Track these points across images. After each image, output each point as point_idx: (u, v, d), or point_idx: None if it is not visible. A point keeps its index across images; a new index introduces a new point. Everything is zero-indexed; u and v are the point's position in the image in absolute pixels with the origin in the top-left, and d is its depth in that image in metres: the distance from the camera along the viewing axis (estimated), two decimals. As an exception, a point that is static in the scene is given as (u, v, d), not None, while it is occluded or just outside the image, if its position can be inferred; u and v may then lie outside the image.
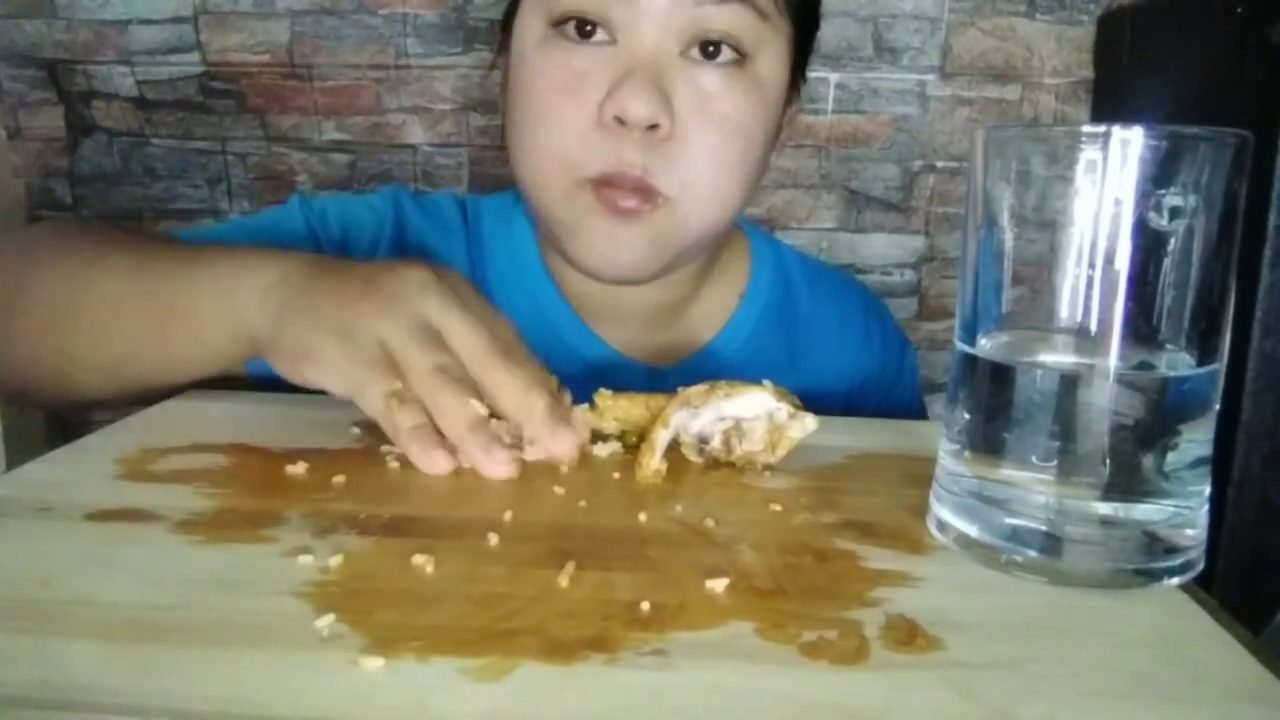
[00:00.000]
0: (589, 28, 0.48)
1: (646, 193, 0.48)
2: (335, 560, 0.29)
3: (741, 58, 0.49)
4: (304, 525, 0.32)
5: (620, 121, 0.47)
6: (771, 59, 0.50)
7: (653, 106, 0.46)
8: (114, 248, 0.47)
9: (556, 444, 0.38)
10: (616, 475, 0.38)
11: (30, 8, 1.51)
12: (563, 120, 0.48)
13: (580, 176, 0.49)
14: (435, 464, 0.36)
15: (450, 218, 0.61)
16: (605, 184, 0.48)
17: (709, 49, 0.48)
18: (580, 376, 0.56)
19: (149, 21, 1.52)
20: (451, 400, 0.37)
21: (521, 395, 0.38)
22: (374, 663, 0.23)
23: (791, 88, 0.54)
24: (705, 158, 0.49)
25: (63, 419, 1.54)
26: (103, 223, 0.59)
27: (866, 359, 0.66)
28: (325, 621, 0.25)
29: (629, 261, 0.50)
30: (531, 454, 0.38)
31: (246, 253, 0.45)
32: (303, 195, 0.60)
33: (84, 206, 1.59)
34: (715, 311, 0.61)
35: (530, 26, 0.50)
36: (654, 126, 0.47)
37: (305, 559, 0.29)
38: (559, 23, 0.48)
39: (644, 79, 0.46)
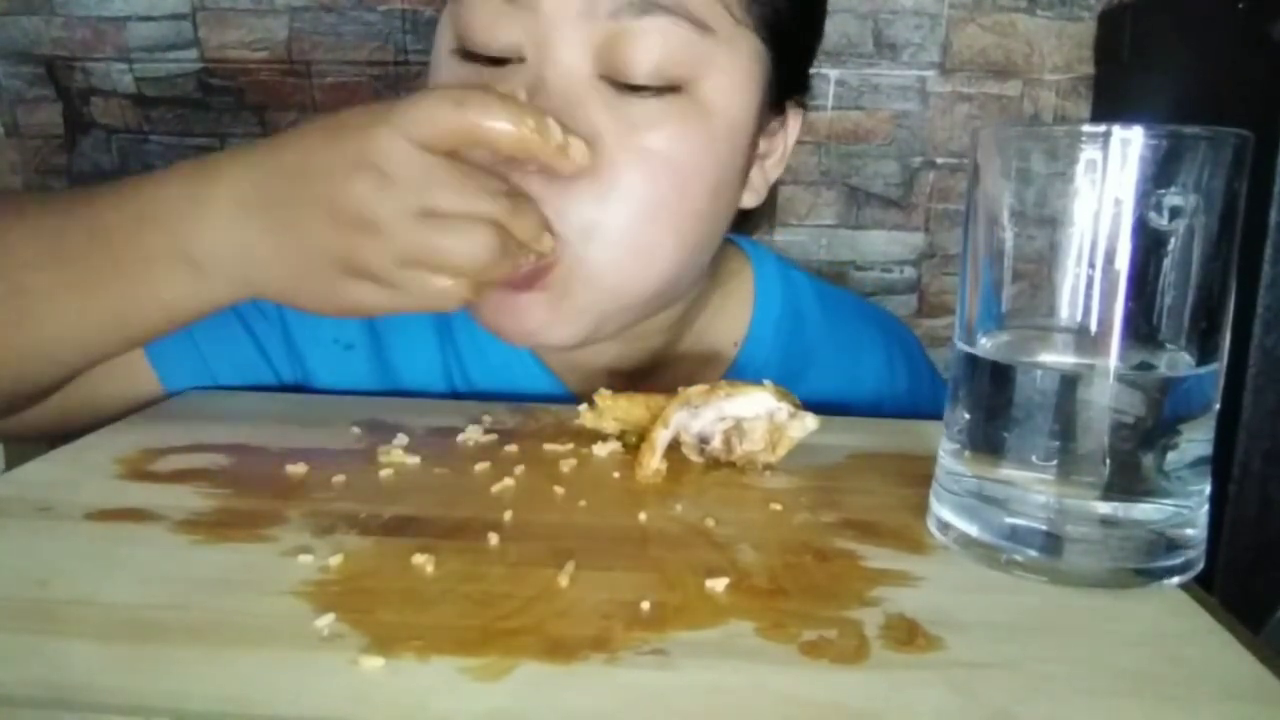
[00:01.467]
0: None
1: (505, 262, 0.37)
2: (335, 560, 0.29)
3: (674, 85, 0.40)
4: (304, 525, 0.32)
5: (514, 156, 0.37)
6: (723, 80, 0.41)
7: None
8: (30, 203, 0.40)
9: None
10: (616, 475, 0.38)
11: (28, 4, 1.51)
12: None
13: None
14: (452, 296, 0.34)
15: None
16: None
17: (631, 74, 0.39)
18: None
19: (147, 18, 1.51)
20: (504, 262, 0.34)
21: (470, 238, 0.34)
22: (374, 663, 0.23)
23: (775, 112, 0.46)
24: (621, 200, 0.39)
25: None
26: (15, 191, 0.50)
27: (890, 392, 0.57)
28: (325, 621, 0.25)
29: (533, 329, 0.42)
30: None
31: (184, 170, 0.37)
32: None
33: (83, 204, 1.58)
34: (708, 363, 0.53)
35: (442, 43, 0.43)
36: None
37: (305, 559, 0.29)
38: (466, 52, 0.41)
39: (548, 101, 0.38)
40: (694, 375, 0.51)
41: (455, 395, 0.52)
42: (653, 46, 0.39)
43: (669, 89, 0.40)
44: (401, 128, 0.33)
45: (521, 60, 0.40)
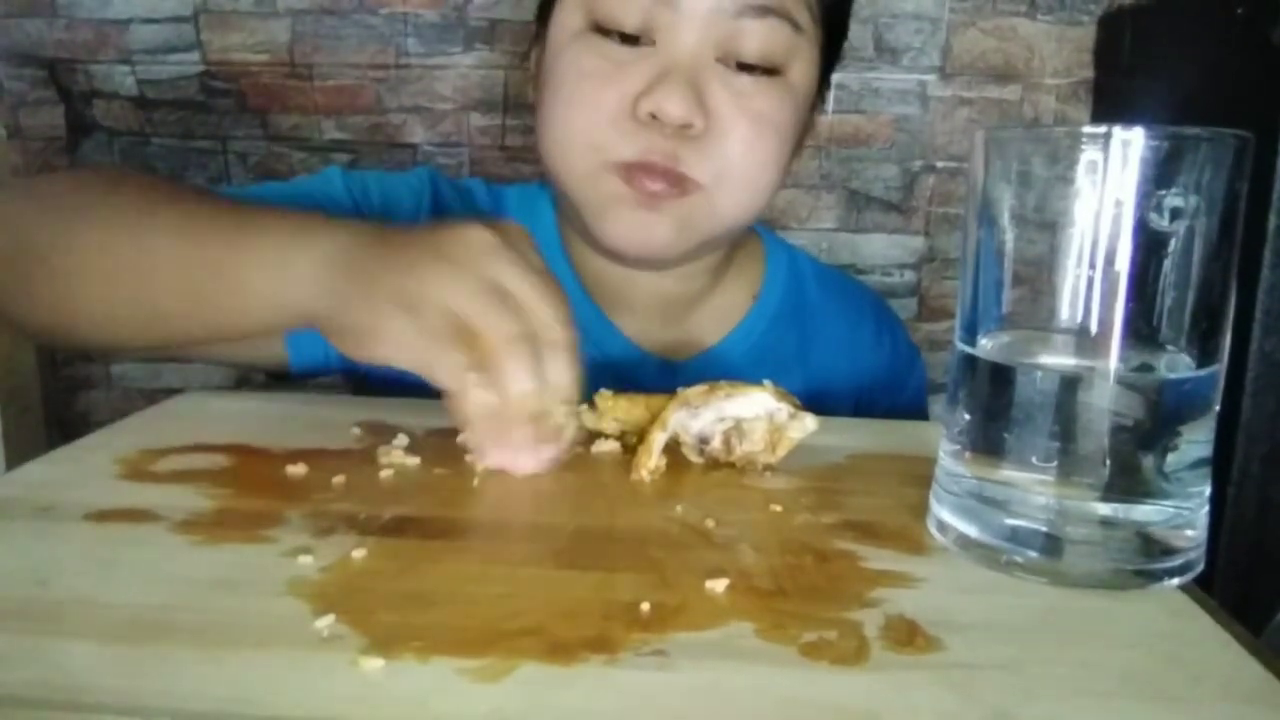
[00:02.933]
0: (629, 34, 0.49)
1: (677, 180, 0.49)
2: (335, 560, 0.29)
3: (775, 69, 0.50)
4: (304, 525, 0.32)
5: (654, 118, 0.48)
6: (803, 67, 0.52)
7: (688, 106, 0.47)
8: (161, 200, 0.45)
9: (517, 461, 0.37)
10: (616, 475, 0.38)
11: (31, 6, 1.51)
12: (596, 105, 0.49)
13: (608, 159, 0.49)
14: (503, 462, 0.37)
15: (481, 201, 0.62)
16: (635, 169, 0.49)
17: (745, 59, 0.49)
18: (594, 365, 0.55)
19: (149, 20, 1.52)
20: (526, 377, 0.35)
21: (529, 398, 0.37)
22: (374, 663, 0.23)
23: (817, 93, 0.55)
24: (739, 149, 0.50)
25: (61, 418, 1.54)
26: (144, 174, 0.55)
27: (876, 364, 0.66)
28: (325, 621, 0.25)
29: (657, 244, 0.51)
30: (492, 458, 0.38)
31: (297, 220, 0.42)
32: (340, 168, 0.59)
33: (84, 206, 1.58)
34: (729, 310, 0.61)
35: (569, 22, 0.50)
36: (687, 126, 0.48)
37: (305, 559, 0.29)
38: (600, 30, 0.49)
39: (680, 79, 0.47)
40: (722, 317, 0.61)
41: None
42: (763, 42, 0.49)
43: (771, 71, 0.50)
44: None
45: (652, 43, 0.49)
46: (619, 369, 0.53)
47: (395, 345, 0.37)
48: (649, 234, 0.50)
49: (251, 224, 0.42)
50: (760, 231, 0.66)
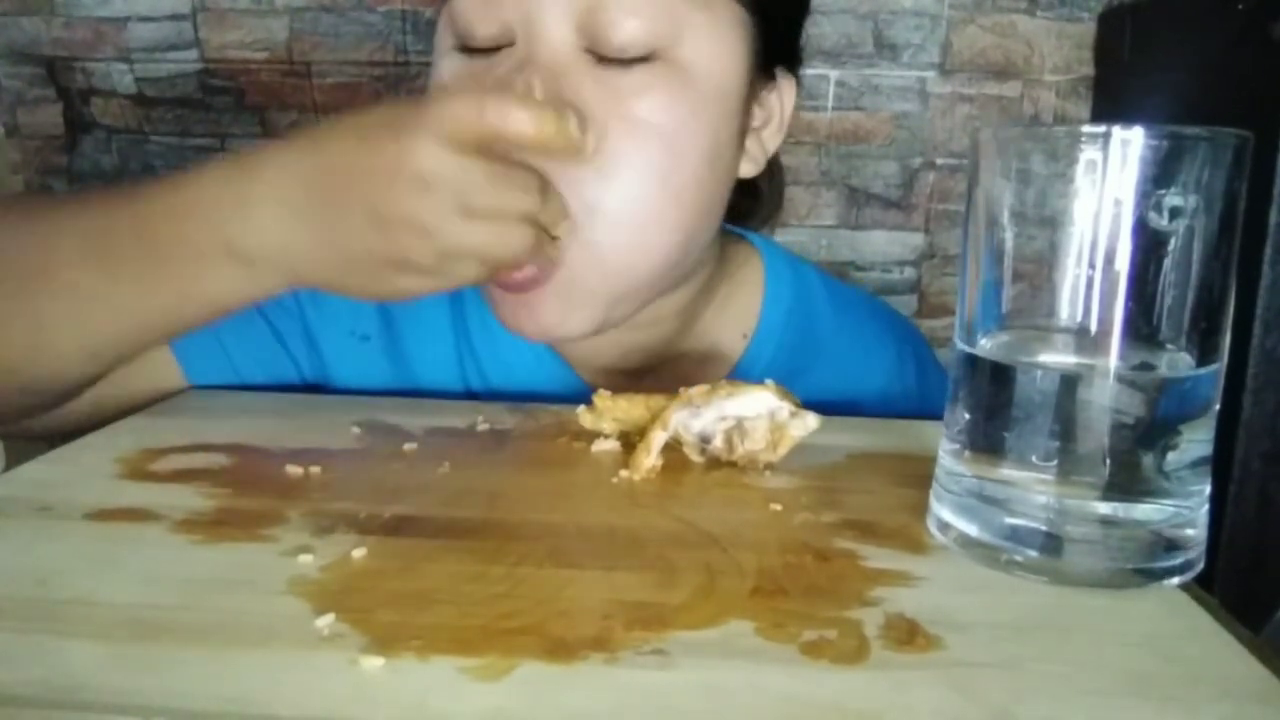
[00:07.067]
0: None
1: (538, 250, 0.39)
2: (335, 560, 0.29)
3: (653, 52, 0.41)
4: (304, 525, 0.32)
5: None
6: (702, 44, 0.41)
7: None
8: (75, 206, 0.41)
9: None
10: (616, 475, 0.38)
11: (29, 5, 1.51)
12: None
13: None
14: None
15: None
16: None
17: (612, 41, 0.40)
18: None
19: (148, 18, 1.52)
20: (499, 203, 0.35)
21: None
22: (374, 662, 0.23)
23: (766, 77, 0.47)
24: (618, 174, 0.40)
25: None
26: (39, 196, 0.52)
27: (899, 392, 0.56)
28: (325, 621, 0.25)
29: (550, 325, 0.43)
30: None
31: (215, 178, 0.38)
32: None
33: (83, 204, 1.58)
34: (717, 353, 0.53)
35: (442, 45, 0.44)
36: None
37: (305, 559, 0.29)
38: (467, 49, 0.43)
39: (535, 75, 0.40)
40: (703, 366, 0.52)
41: (468, 388, 0.52)
42: (629, 12, 0.40)
43: (650, 56, 0.41)
44: (434, 133, 0.35)
45: (512, 44, 0.41)
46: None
47: (402, 295, 0.37)
48: (537, 317, 0.42)
49: (169, 188, 0.39)
50: (765, 252, 0.56)
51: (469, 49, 0.43)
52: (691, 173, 0.42)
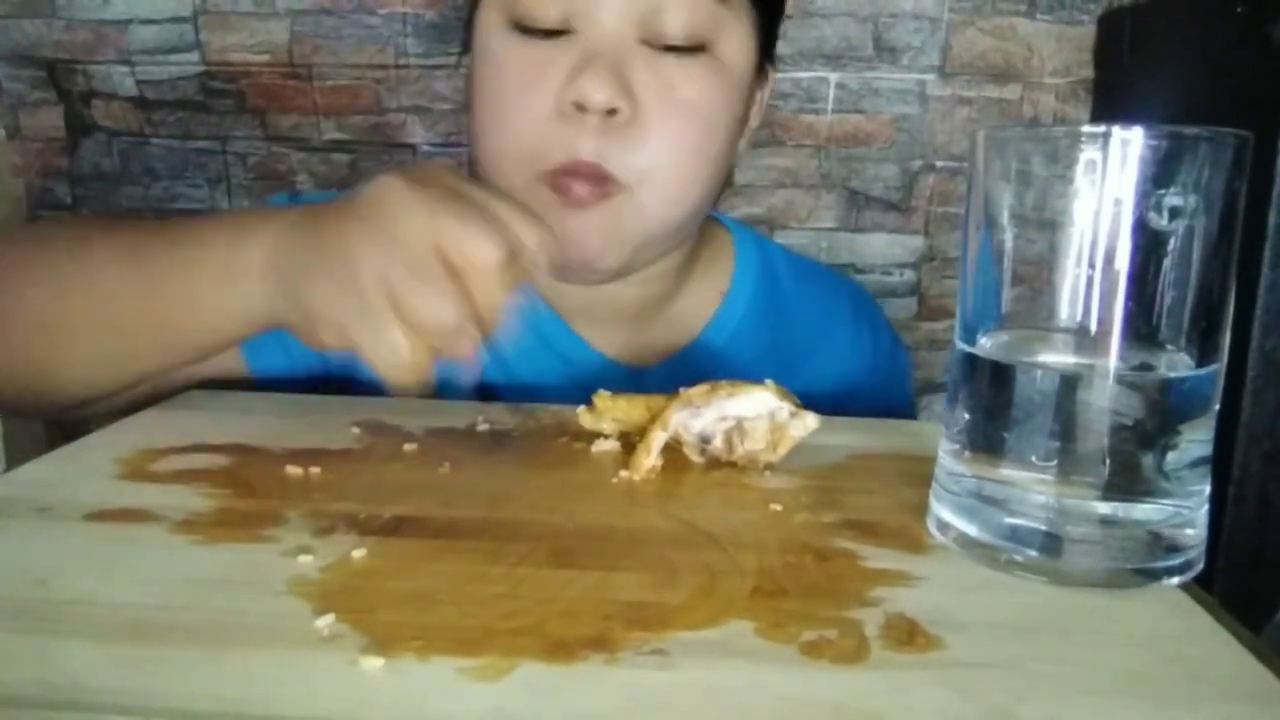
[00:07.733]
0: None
1: (600, 180, 0.47)
2: (335, 560, 0.29)
3: (700, 45, 0.48)
4: (304, 525, 0.32)
5: (579, 108, 0.46)
6: (734, 42, 0.50)
7: (610, 91, 0.46)
8: (97, 238, 0.45)
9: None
10: (615, 475, 0.38)
11: (30, 7, 1.51)
12: (522, 112, 0.48)
13: (539, 170, 0.48)
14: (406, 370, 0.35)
15: None
16: (562, 175, 0.48)
17: (668, 36, 0.47)
18: (559, 375, 0.56)
19: (149, 21, 1.52)
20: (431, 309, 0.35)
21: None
22: (374, 663, 0.23)
23: (759, 71, 0.54)
24: (665, 144, 0.48)
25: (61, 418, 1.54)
26: (80, 217, 0.56)
27: (855, 360, 0.64)
28: (325, 621, 0.25)
29: (591, 254, 0.49)
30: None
31: (232, 223, 0.42)
32: (290, 195, 0.59)
33: (83, 206, 1.59)
34: (697, 310, 0.60)
35: (490, 22, 0.49)
36: (613, 112, 0.46)
37: (305, 559, 0.29)
38: (521, 28, 0.48)
39: (603, 65, 0.46)
40: (689, 319, 0.60)
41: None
42: (685, 14, 0.47)
43: (697, 49, 0.48)
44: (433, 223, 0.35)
45: (572, 32, 0.47)
46: (585, 378, 0.51)
47: (337, 329, 0.36)
48: (577, 242, 0.48)
49: (189, 238, 0.42)
50: (731, 227, 0.64)
51: (524, 29, 0.48)
52: (718, 147, 0.51)
